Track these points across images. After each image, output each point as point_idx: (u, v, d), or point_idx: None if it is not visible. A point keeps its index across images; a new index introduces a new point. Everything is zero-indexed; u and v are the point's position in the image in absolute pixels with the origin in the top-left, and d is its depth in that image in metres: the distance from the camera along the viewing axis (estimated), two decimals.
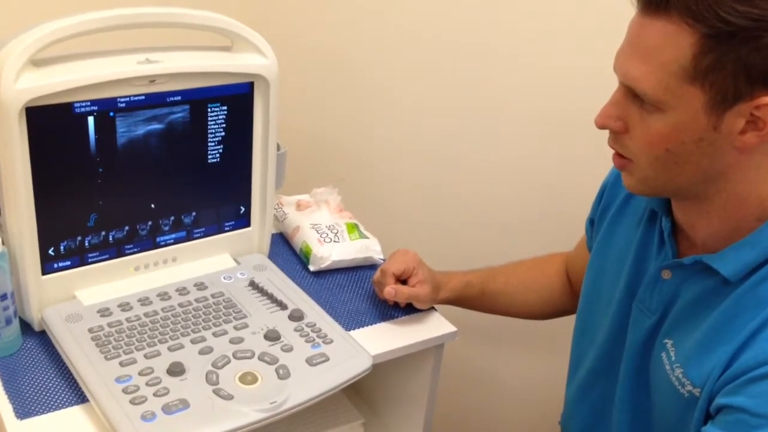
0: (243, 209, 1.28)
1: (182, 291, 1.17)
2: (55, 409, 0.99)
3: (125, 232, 1.16)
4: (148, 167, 1.14)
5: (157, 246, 1.20)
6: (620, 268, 1.11)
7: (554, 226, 1.58)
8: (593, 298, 1.18)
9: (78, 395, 1.01)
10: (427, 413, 1.29)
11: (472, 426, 1.91)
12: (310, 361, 1.05)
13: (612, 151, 0.98)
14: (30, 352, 1.08)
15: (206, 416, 0.94)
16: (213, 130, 1.18)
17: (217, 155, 1.20)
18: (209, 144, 1.19)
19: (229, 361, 1.03)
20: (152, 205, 1.17)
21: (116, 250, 1.16)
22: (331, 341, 1.10)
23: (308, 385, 1.02)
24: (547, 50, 1.51)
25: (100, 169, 1.09)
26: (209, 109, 1.16)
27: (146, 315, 1.11)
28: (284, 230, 1.45)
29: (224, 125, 1.19)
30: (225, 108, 1.18)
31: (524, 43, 1.53)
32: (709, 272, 0.96)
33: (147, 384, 0.98)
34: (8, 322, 1.05)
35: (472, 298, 1.31)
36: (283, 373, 1.02)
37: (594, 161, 1.21)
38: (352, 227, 1.40)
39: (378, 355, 1.14)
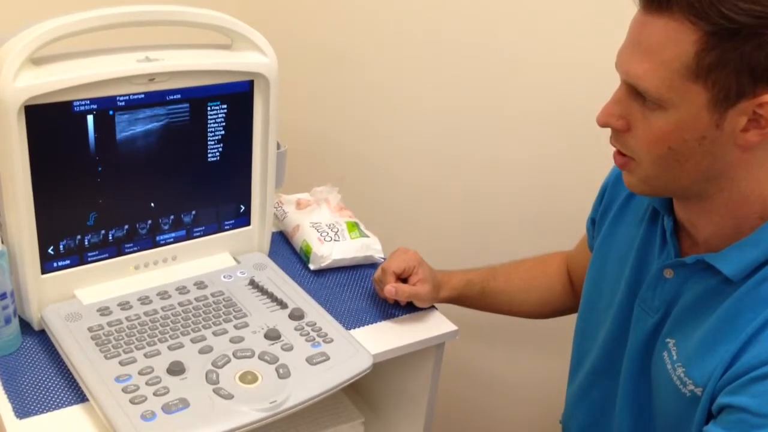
0: (243, 208, 1.28)
1: (182, 290, 1.17)
2: (54, 409, 0.98)
3: (125, 231, 1.15)
4: (148, 166, 1.14)
5: (157, 245, 1.20)
6: (622, 267, 1.11)
7: (555, 226, 1.57)
8: (594, 297, 1.17)
9: (77, 395, 1.01)
10: (427, 412, 1.29)
11: (472, 425, 1.91)
12: (311, 361, 1.05)
13: (613, 151, 0.98)
14: (29, 352, 1.08)
15: (206, 416, 0.94)
16: (213, 129, 1.18)
17: (217, 154, 1.20)
18: (209, 142, 1.18)
19: (229, 361, 1.03)
20: (152, 204, 1.17)
21: (116, 249, 1.16)
22: (332, 340, 1.10)
23: (308, 384, 1.02)
24: (548, 48, 1.50)
25: (100, 168, 1.09)
26: (209, 108, 1.16)
27: (146, 314, 1.11)
28: (284, 229, 1.45)
29: (224, 124, 1.19)
30: (225, 106, 1.18)
31: (525, 41, 1.53)
32: (712, 271, 0.95)
33: (147, 383, 0.98)
34: (7, 321, 1.05)
35: (472, 297, 1.31)
36: (284, 373, 1.02)
37: (595, 160, 1.21)
38: (353, 226, 1.39)
39: (378, 354, 1.14)
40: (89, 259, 1.13)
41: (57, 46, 1.01)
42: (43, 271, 1.09)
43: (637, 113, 0.91)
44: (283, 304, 1.16)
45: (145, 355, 1.03)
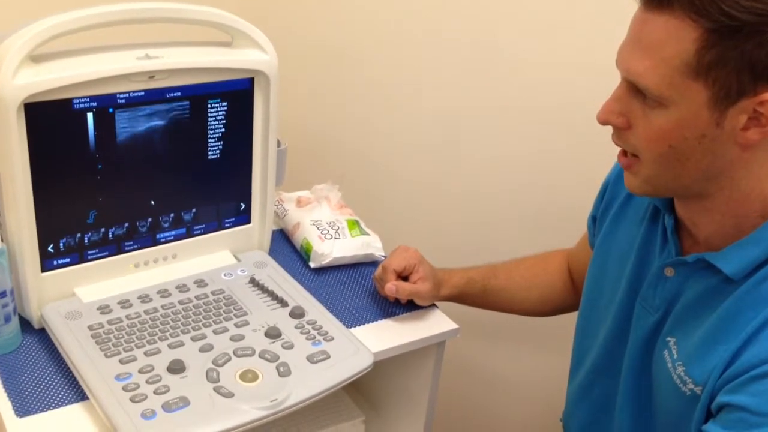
0: (243, 206, 1.27)
1: (182, 288, 1.17)
2: (54, 407, 0.98)
3: (125, 229, 1.15)
4: (148, 164, 1.13)
5: (157, 243, 1.20)
6: (623, 265, 1.11)
7: (556, 223, 1.57)
8: (595, 295, 1.17)
9: (78, 393, 1.00)
10: (428, 411, 1.29)
11: (473, 423, 1.91)
12: (311, 359, 1.05)
13: (617, 150, 0.98)
14: (29, 350, 1.08)
15: (206, 414, 0.94)
16: (213, 127, 1.18)
17: (218, 151, 1.20)
18: (209, 140, 1.18)
19: (229, 359, 1.03)
20: (152, 202, 1.17)
21: (116, 247, 1.15)
22: (332, 338, 1.09)
23: (309, 382, 1.01)
24: (548, 46, 1.50)
25: (100, 166, 1.09)
26: (209, 105, 1.16)
27: (146, 312, 1.11)
28: (285, 227, 1.45)
29: (224, 121, 1.18)
30: (225, 104, 1.17)
31: (526, 39, 1.52)
32: (712, 270, 0.95)
33: (147, 382, 0.97)
34: (7, 319, 1.05)
35: (473, 295, 1.31)
36: (284, 371, 1.02)
37: (596, 158, 1.21)
38: (353, 224, 1.39)
39: (379, 352, 1.14)
40: (89, 257, 1.13)
41: (56, 43, 1.01)
42: (43, 269, 1.09)
43: (638, 111, 0.91)
44: (283, 303, 1.16)
45: (146, 354, 1.02)
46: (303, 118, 1.79)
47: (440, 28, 1.61)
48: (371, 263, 1.38)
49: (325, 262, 1.33)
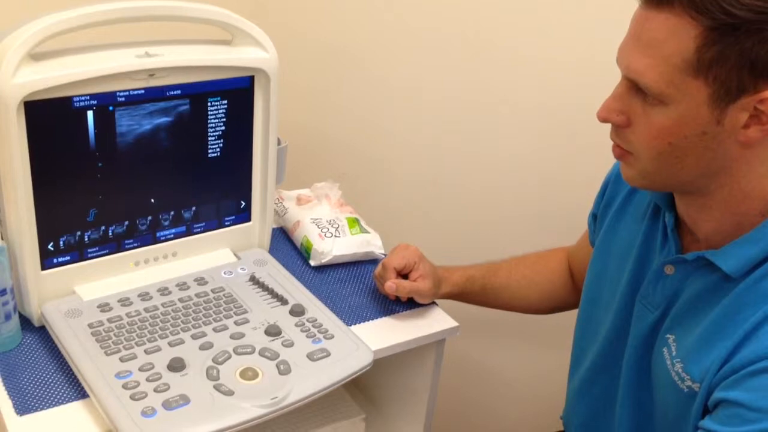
0: (243, 204, 1.27)
1: (182, 286, 1.17)
2: (54, 405, 0.98)
3: (125, 227, 1.15)
4: (148, 162, 1.13)
5: (157, 241, 1.20)
6: (623, 263, 1.11)
7: (556, 221, 1.57)
8: (596, 293, 1.17)
9: (78, 391, 1.01)
10: (428, 408, 1.29)
11: (473, 421, 1.91)
12: (311, 357, 1.05)
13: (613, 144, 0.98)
14: (30, 348, 1.08)
15: (207, 412, 0.94)
16: (213, 125, 1.18)
17: (218, 150, 1.20)
18: (209, 138, 1.18)
19: (229, 357, 1.03)
20: (152, 200, 1.17)
21: (116, 245, 1.15)
22: (332, 336, 1.09)
23: (309, 380, 1.02)
24: (549, 44, 1.50)
25: (100, 164, 1.09)
26: (209, 104, 1.16)
27: (146, 310, 1.11)
28: (285, 225, 1.45)
29: (224, 119, 1.18)
30: (225, 102, 1.17)
31: (526, 37, 1.52)
32: (712, 268, 0.95)
33: (147, 379, 0.97)
34: (8, 317, 1.05)
35: (473, 293, 1.31)
36: (284, 369, 1.02)
37: (596, 156, 1.21)
38: (353, 222, 1.39)
39: (379, 350, 1.14)
40: (89, 255, 1.13)
41: (56, 41, 1.01)
42: (43, 268, 1.09)
43: (638, 109, 0.91)
44: (283, 301, 1.16)
45: (146, 352, 1.03)
46: (303, 117, 1.79)
47: (441, 26, 1.61)
48: (371, 261, 1.38)
49: (325, 260, 1.33)
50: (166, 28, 1.11)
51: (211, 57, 1.13)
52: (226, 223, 1.27)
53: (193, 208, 1.22)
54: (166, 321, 1.09)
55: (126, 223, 1.15)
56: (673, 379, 0.98)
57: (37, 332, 1.10)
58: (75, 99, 1.03)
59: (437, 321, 1.23)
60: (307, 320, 1.12)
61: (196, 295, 1.15)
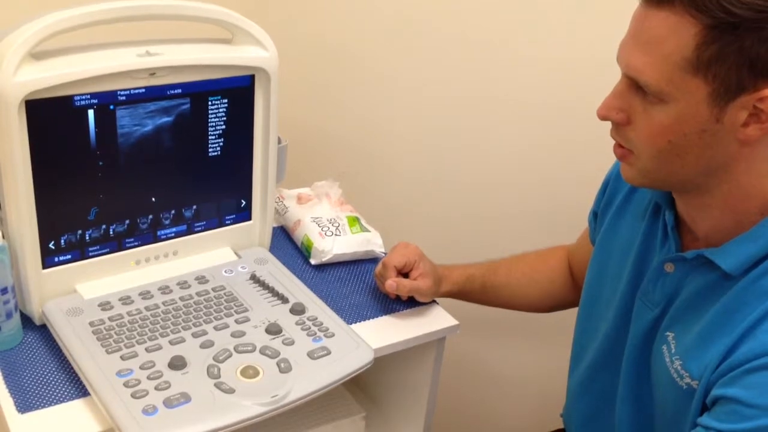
0: (244, 203, 1.28)
1: (183, 285, 1.17)
2: (56, 403, 0.99)
3: (126, 226, 1.15)
4: (149, 161, 1.14)
5: (158, 240, 1.20)
6: (624, 261, 1.11)
7: (556, 219, 1.57)
8: (596, 291, 1.18)
9: (79, 389, 1.01)
10: (428, 407, 1.29)
11: (473, 419, 1.91)
12: (312, 355, 1.05)
13: (614, 142, 0.98)
14: (31, 346, 1.08)
15: (207, 410, 0.94)
16: (213, 124, 1.18)
17: (218, 148, 1.20)
18: (210, 137, 1.18)
19: (230, 355, 1.03)
20: (153, 199, 1.17)
21: (117, 244, 1.16)
22: (333, 335, 1.10)
23: (310, 378, 1.02)
24: (549, 42, 1.50)
25: (101, 163, 1.09)
26: (210, 102, 1.16)
27: (147, 309, 1.11)
28: (285, 224, 1.45)
29: (225, 118, 1.18)
30: (225, 101, 1.17)
31: (526, 35, 1.52)
32: (711, 266, 0.95)
33: (148, 378, 0.98)
34: (9, 315, 1.05)
35: (473, 292, 1.31)
36: (285, 367, 1.02)
37: (597, 154, 1.21)
38: (354, 220, 1.39)
39: (379, 348, 1.14)
40: (90, 253, 1.13)
41: (57, 40, 1.01)
42: (44, 266, 1.09)
43: (638, 107, 0.91)
44: (284, 299, 1.16)
45: (147, 350, 1.03)
46: (303, 115, 1.79)
47: (441, 24, 1.61)
48: (372, 260, 1.38)
49: (325, 258, 1.33)
50: (167, 27, 1.11)
51: (211, 56, 1.14)
52: (227, 222, 1.27)
53: (194, 207, 1.22)
54: (167, 319, 1.09)
55: (127, 221, 1.15)
56: (672, 376, 0.98)
57: (38, 331, 1.11)
58: (76, 98, 1.03)
59: (437, 319, 1.24)
60: (308, 319, 1.13)
61: (197, 293, 1.16)
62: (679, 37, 0.84)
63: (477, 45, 1.58)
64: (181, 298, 1.14)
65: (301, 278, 1.24)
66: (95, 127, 1.06)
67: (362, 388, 1.45)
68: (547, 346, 1.70)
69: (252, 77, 1.19)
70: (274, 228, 1.35)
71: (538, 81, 1.54)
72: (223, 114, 1.18)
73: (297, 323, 1.11)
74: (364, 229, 1.39)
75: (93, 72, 1.02)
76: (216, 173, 1.22)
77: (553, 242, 1.39)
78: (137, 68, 1.06)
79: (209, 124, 1.17)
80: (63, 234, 1.10)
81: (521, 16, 1.52)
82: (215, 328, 1.08)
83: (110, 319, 1.08)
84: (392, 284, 1.20)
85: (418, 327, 1.21)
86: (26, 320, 1.11)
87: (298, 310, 1.14)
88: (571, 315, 1.28)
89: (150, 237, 1.19)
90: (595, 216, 1.23)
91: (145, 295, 1.14)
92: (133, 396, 0.94)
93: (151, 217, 1.17)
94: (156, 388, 0.96)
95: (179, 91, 1.12)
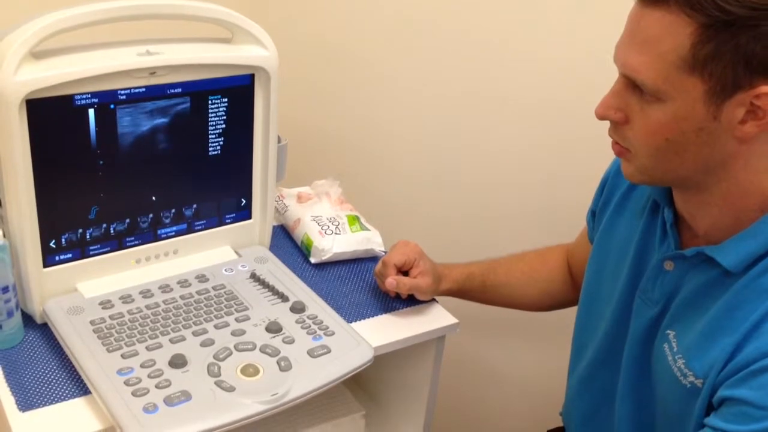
0: (244, 201, 1.28)
1: (184, 283, 1.17)
2: (57, 401, 0.99)
3: (126, 225, 1.16)
4: (149, 159, 1.14)
5: (158, 238, 1.20)
6: (622, 259, 1.11)
7: (555, 218, 1.58)
8: (595, 289, 1.18)
9: (80, 387, 1.01)
10: (428, 405, 1.29)
11: (473, 418, 1.91)
12: (312, 353, 1.05)
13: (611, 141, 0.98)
14: (32, 345, 1.08)
15: (208, 408, 0.94)
16: (214, 123, 1.18)
17: (218, 147, 1.20)
18: (210, 136, 1.19)
19: (230, 353, 1.04)
20: (153, 198, 1.17)
21: (117, 243, 1.16)
22: (333, 333, 1.10)
23: (310, 376, 1.02)
24: (548, 42, 1.50)
25: (101, 162, 1.09)
26: (210, 102, 1.16)
27: (148, 307, 1.11)
28: (285, 222, 1.45)
29: (225, 117, 1.19)
30: (226, 100, 1.18)
31: (525, 34, 1.52)
32: (711, 263, 0.96)
33: (149, 376, 0.98)
34: (10, 314, 1.06)
35: (473, 290, 1.31)
36: (285, 365, 1.02)
37: (595, 152, 1.21)
38: (353, 219, 1.40)
39: (379, 346, 1.14)
40: (91, 252, 1.14)
41: (58, 40, 1.01)
42: (45, 265, 1.10)
43: (635, 106, 0.91)
44: (284, 298, 1.16)
45: (147, 348, 1.03)
46: (303, 114, 1.79)
47: (440, 24, 1.61)
48: (371, 258, 1.38)
49: (325, 257, 1.34)
50: (167, 26, 1.11)
51: (211, 55, 1.14)
52: (227, 221, 1.27)
53: (194, 206, 1.22)
54: (167, 318, 1.09)
55: (127, 220, 1.15)
56: (675, 375, 0.98)
57: (39, 329, 1.11)
58: (76, 97, 1.03)
59: (437, 318, 1.24)
60: (308, 317, 1.13)
61: (197, 292, 1.16)
62: (674, 37, 0.84)
63: (477, 45, 1.58)
64: (182, 297, 1.14)
65: (301, 277, 1.25)
66: (95, 126, 1.06)
67: (362, 386, 1.45)
68: (546, 344, 1.70)
69: (252, 76, 1.19)
70: (274, 227, 1.36)
71: (538, 81, 1.54)
72: (223, 113, 1.18)
73: (297, 322, 1.12)
74: (363, 228, 1.39)
75: (93, 71, 1.02)
76: (216, 172, 1.22)
77: (552, 241, 1.40)
78: (137, 67, 1.06)
79: (209, 123, 1.18)
80: (64, 233, 1.10)
81: (521, 16, 1.52)
82: (215, 326, 1.09)
83: (111, 317, 1.08)
84: (392, 282, 1.21)
85: (417, 325, 1.22)
86: (27, 319, 1.11)
87: (298, 308, 1.14)
88: (570, 313, 1.28)
89: (150, 236, 1.19)
90: (594, 215, 1.23)
91: (146, 293, 1.14)
92: (133, 394, 0.95)
93: (151, 215, 1.18)
94: (156, 387, 0.96)
95: (179, 90, 1.12)
